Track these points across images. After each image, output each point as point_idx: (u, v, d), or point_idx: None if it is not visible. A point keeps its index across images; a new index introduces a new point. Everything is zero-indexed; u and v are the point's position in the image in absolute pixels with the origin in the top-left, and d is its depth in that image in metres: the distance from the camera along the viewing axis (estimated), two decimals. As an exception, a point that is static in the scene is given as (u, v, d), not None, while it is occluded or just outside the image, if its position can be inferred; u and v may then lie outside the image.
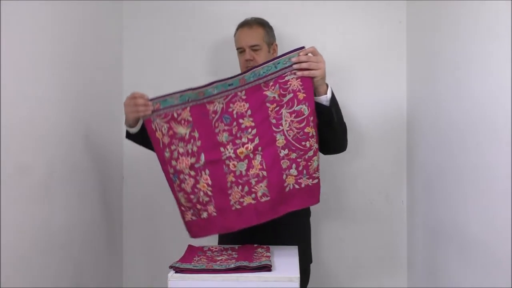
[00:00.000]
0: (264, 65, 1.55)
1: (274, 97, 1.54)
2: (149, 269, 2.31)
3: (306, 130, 1.53)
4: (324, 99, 1.57)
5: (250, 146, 1.55)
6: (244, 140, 1.55)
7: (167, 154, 1.61)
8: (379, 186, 2.26)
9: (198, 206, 1.60)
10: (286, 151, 1.54)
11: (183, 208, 1.64)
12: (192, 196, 1.60)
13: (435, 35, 1.88)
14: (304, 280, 1.77)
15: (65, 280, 1.73)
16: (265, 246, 1.57)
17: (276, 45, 1.91)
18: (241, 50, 1.83)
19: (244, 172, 1.56)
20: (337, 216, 2.27)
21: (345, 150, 1.73)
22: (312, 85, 1.54)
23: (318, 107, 1.57)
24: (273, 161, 1.55)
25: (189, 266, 1.36)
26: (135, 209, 2.33)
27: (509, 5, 1.27)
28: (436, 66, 1.87)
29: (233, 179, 1.57)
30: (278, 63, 1.54)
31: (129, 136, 1.75)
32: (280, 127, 1.54)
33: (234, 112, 1.56)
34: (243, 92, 1.55)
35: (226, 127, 1.57)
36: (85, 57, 1.92)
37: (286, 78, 1.53)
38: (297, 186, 1.56)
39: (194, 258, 1.47)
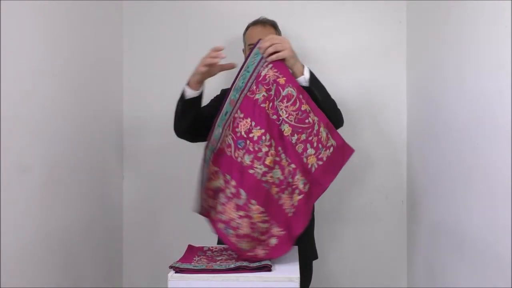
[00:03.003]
0: (239, 77, 1.56)
1: (263, 95, 1.54)
2: (149, 269, 2.31)
3: (302, 108, 1.53)
4: (302, 79, 1.57)
5: (272, 151, 1.52)
6: (265, 149, 1.52)
7: (218, 207, 1.55)
8: (379, 186, 2.26)
9: (262, 237, 1.50)
10: (296, 136, 1.53)
11: (250, 254, 1.48)
12: (254, 234, 1.49)
13: (435, 35, 1.88)
14: (307, 277, 1.77)
15: (65, 280, 1.73)
16: (265, 246, 1.57)
17: None
18: (253, 47, 1.82)
19: (281, 177, 1.53)
20: (337, 216, 2.26)
21: (341, 125, 1.71)
22: (285, 66, 1.56)
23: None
24: (291, 151, 1.54)
25: (189, 266, 1.36)
26: (135, 209, 2.33)
27: (509, 5, 1.27)
28: (436, 66, 1.87)
29: (277, 189, 1.53)
30: (248, 67, 1.55)
31: (181, 100, 1.62)
32: (280, 118, 1.54)
33: (242, 132, 1.54)
34: (238, 111, 1.55)
35: (243, 150, 1.53)
36: (85, 57, 1.92)
37: (263, 74, 1.54)
38: (320, 163, 1.55)
39: (194, 258, 1.46)
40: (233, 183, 1.52)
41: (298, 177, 1.53)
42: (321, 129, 1.55)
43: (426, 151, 1.98)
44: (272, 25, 1.86)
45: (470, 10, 1.54)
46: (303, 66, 1.58)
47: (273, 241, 1.50)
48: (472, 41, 1.52)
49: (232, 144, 1.55)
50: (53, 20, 1.67)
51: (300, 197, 1.53)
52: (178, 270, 1.34)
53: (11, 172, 1.41)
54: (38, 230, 1.56)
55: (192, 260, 1.44)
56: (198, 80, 1.60)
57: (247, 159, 1.52)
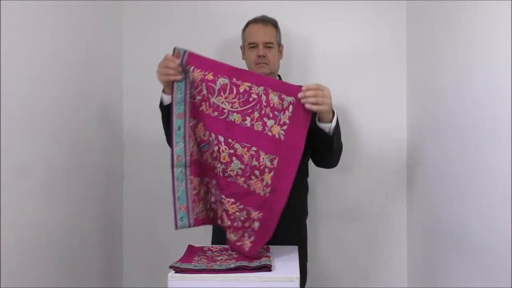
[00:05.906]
0: (175, 90, 1.54)
1: (198, 99, 1.52)
2: (149, 269, 2.31)
3: (241, 90, 1.52)
4: (328, 127, 1.55)
5: (222, 147, 1.53)
6: (216, 148, 1.55)
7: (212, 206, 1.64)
8: (379, 186, 2.26)
9: (246, 224, 1.53)
10: (249, 118, 1.52)
11: (238, 244, 1.52)
12: (236, 224, 1.52)
13: (435, 35, 1.88)
14: (302, 279, 1.77)
15: (65, 280, 1.73)
16: (265, 246, 1.57)
17: (283, 46, 1.91)
18: (253, 46, 1.80)
19: (242, 166, 1.54)
20: (337, 216, 2.26)
21: (335, 166, 1.74)
22: (204, 58, 1.53)
23: (320, 133, 1.56)
24: (249, 134, 1.53)
25: (189, 266, 1.36)
26: (135, 209, 2.33)
27: (509, 5, 1.27)
28: (436, 66, 1.87)
29: (243, 179, 1.54)
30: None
31: (162, 108, 1.63)
32: (225, 110, 1.52)
33: (201, 135, 1.57)
34: (191, 119, 1.57)
35: (209, 152, 1.57)
36: (85, 57, 1.92)
37: (191, 78, 1.52)
38: (285, 127, 1.51)
39: (194, 258, 1.47)
40: (214, 181, 1.57)
41: (263, 156, 1.51)
42: (271, 95, 1.52)
43: (426, 151, 1.98)
44: (273, 24, 1.86)
45: (470, 10, 1.54)
46: (333, 114, 1.55)
47: (256, 224, 1.51)
48: (472, 41, 1.52)
49: (199, 151, 1.59)
50: (53, 20, 1.67)
51: (271, 174, 1.51)
52: (178, 270, 1.34)
53: (11, 172, 1.41)
54: (38, 230, 1.56)
55: (192, 260, 1.45)
56: (167, 86, 1.57)
57: (209, 160, 1.57)
